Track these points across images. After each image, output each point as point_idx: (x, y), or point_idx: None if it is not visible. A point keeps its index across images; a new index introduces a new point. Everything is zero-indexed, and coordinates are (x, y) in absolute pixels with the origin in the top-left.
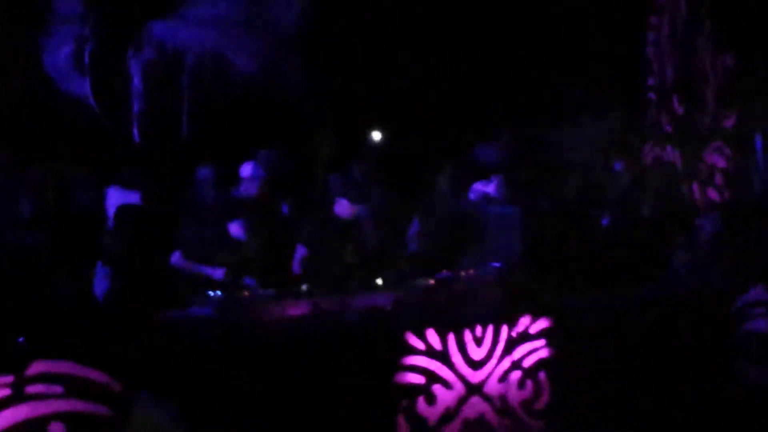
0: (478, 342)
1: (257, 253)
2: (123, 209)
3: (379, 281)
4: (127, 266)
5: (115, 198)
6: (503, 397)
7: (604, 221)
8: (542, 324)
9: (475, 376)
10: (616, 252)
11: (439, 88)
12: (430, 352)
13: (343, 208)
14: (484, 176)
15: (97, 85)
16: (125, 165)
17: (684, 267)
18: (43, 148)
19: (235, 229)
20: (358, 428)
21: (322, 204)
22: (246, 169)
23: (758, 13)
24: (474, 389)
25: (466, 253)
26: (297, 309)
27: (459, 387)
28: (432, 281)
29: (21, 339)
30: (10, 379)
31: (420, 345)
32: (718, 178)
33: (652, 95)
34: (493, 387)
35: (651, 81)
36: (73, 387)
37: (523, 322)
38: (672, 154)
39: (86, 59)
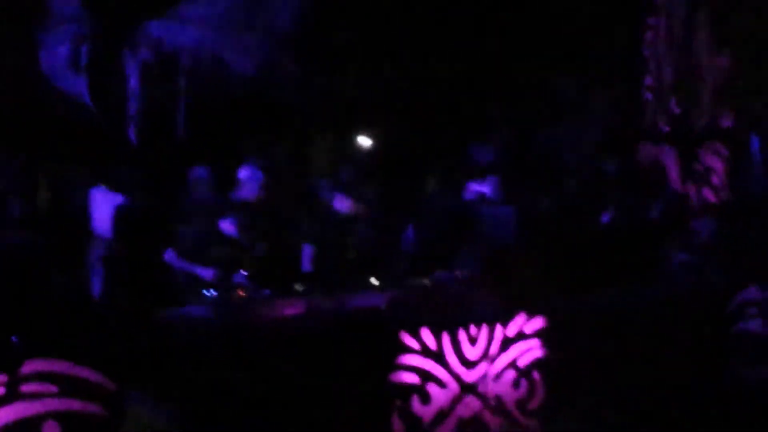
0: (473, 341)
1: (250, 251)
2: (120, 210)
3: (374, 281)
4: (122, 266)
5: (100, 200)
6: (498, 397)
7: (605, 218)
8: (537, 323)
9: (469, 376)
10: (612, 252)
11: (435, 89)
12: (424, 352)
13: (341, 203)
14: (479, 176)
15: (93, 85)
16: (118, 165)
17: (679, 267)
18: (37, 148)
19: (227, 226)
20: (352, 428)
21: (317, 204)
22: (244, 172)
23: (755, 14)
24: (468, 388)
25: (462, 252)
26: (292, 309)
27: (453, 386)
28: (427, 281)
29: (15, 338)
30: (4, 378)
31: (414, 344)
32: (714, 179)
33: (648, 95)
34: (487, 386)
35: (648, 81)
36: (67, 386)
37: (518, 321)
38: (668, 154)
39: (83, 59)
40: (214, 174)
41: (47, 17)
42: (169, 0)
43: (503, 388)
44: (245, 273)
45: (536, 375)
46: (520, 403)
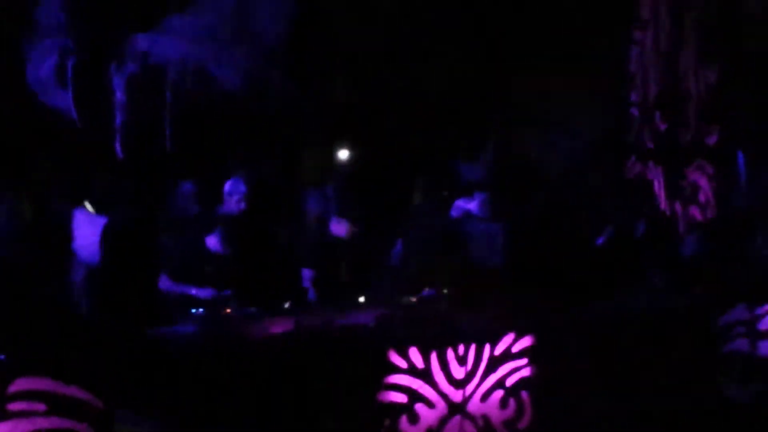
0: (461, 361)
1: (236, 265)
2: (106, 226)
3: (362, 299)
4: (109, 283)
5: (82, 221)
6: (485, 417)
7: (599, 241)
8: (525, 342)
9: (457, 395)
10: (597, 268)
11: (422, 103)
12: (412, 371)
13: (340, 228)
14: (466, 193)
15: (79, 98)
16: (103, 179)
17: (667, 285)
18: (21, 161)
19: (212, 242)
20: None
21: (302, 221)
22: (229, 186)
23: (741, 30)
24: (456, 408)
25: (449, 270)
26: (279, 326)
27: (441, 406)
28: (414, 299)
29: (2, 356)
30: None
31: (402, 363)
32: (701, 196)
33: (634, 111)
34: (475, 406)
35: (634, 96)
36: (55, 405)
37: (506, 340)
38: (654, 170)
39: (69, 72)
40: (201, 188)
41: (33, 30)
42: (156, 13)
43: (491, 407)
44: (231, 290)
45: (524, 394)
46: (509, 423)
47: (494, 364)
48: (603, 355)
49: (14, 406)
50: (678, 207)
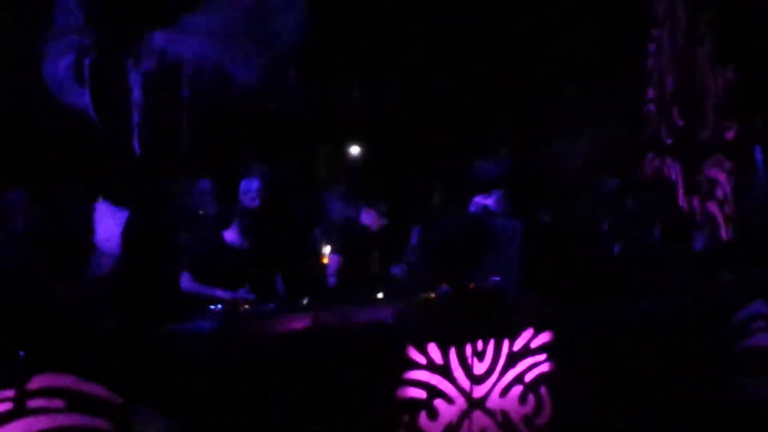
0: (480, 356)
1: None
2: (126, 223)
3: (380, 295)
4: (127, 280)
5: (104, 214)
6: (505, 412)
7: (616, 249)
8: (544, 338)
9: (477, 391)
10: (618, 266)
11: (438, 102)
12: (431, 367)
13: (370, 218)
14: (484, 190)
15: (96, 96)
16: (121, 177)
17: (684, 281)
18: (39, 161)
19: (230, 235)
20: None
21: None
22: (246, 183)
23: (758, 26)
24: (476, 404)
25: (468, 266)
26: (298, 323)
27: (461, 402)
28: (433, 295)
29: (22, 353)
30: (11, 393)
31: (421, 359)
32: (719, 192)
33: (651, 107)
34: (494, 402)
35: (651, 93)
36: (74, 401)
37: (525, 336)
38: (672, 166)
39: (86, 70)
40: (218, 185)
41: (50, 29)
42: (172, 11)
43: (510, 403)
44: (249, 284)
45: (543, 390)
46: (528, 419)
47: (513, 359)
48: (621, 353)
49: (33, 403)
50: (696, 202)
